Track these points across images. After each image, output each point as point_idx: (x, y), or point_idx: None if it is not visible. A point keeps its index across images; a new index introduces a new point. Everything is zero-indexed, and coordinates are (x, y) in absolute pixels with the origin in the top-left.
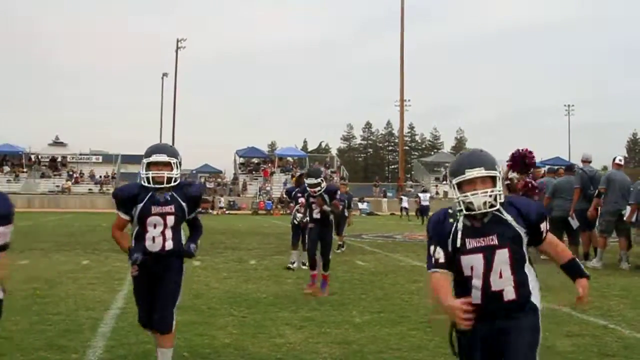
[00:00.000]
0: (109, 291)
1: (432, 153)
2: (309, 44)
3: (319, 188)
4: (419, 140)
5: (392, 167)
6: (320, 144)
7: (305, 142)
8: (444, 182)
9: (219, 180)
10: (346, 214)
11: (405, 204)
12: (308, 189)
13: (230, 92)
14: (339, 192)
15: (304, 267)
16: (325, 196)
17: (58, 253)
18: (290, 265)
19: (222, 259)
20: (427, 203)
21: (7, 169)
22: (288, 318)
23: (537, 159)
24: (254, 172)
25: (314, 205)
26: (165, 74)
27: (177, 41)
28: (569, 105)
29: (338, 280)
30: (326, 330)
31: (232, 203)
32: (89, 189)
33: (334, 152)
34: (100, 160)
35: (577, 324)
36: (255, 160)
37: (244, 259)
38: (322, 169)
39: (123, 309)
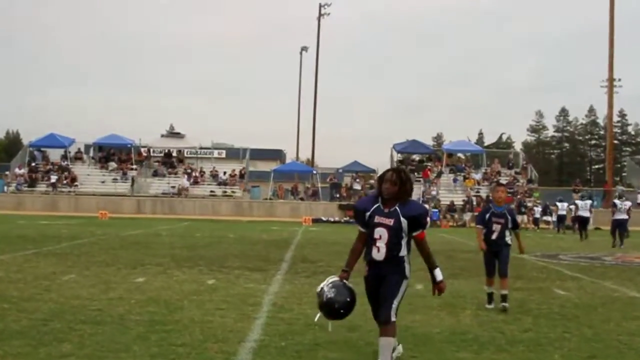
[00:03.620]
0: (242, 319)
1: None
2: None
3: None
4: (633, 132)
5: (597, 166)
6: (500, 137)
7: (480, 133)
8: None
9: (371, 182)
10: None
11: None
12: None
13: (384, 71)
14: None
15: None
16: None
17: (178, 270)
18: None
19: None
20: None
21: (113, 165)
22: None
23: None
24: (416, 173)
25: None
26: (304, 48)
27: (320, 7)
28: None
29: (531, 313)
30: None
31: None
32: (211, 191)
33: (518, 146)
34: (224, 156)
35: None
36: (417, 157)
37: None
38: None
39: (261, 341)
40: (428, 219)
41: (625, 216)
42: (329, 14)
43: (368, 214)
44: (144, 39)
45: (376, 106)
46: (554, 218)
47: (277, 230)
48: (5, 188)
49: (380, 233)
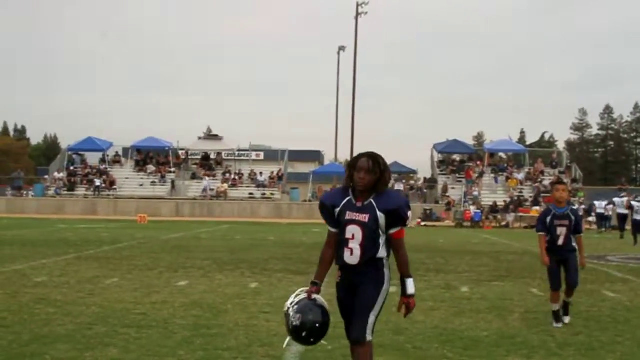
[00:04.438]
0: None
1: None
2: None
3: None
4: None
5: None
6: (542, 136)
7: (522, 132)
8: None
9: (412, 182)
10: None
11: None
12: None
13: (423, 70)
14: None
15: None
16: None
17: (220, 273)
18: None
19: (424, 284)
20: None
21: (151, 168)
22: None
23: None
24: (457, 173)
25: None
26: (342, 48)
27: (357, 6)
28: None
29: (581, 316)
30: None
31: (428, 212)
32: (250, 194)
33: (561, 145)
34: (262, 158)
35: None
36: (457, 157)
37: (452, 284)
38: None
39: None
40: (410, 213)
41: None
42: (366, 12)
43: (338, 209)
44: (179, 41)
45: (415, 106)
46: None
47: (318, 232)
48: (45, 192)
49: (353, 232)
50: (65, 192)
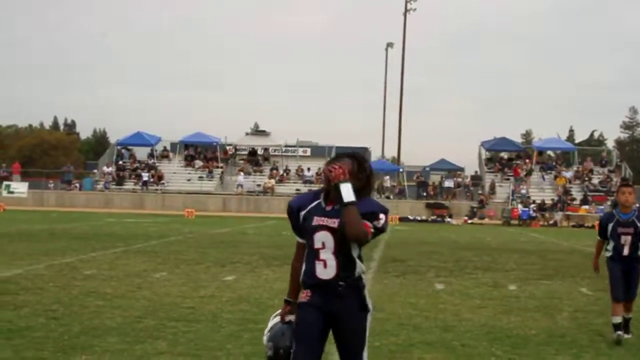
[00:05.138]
0: None
1: None
2: None
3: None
4: None
5: None
6: (592, 134)
7: (571, 130)
8: None
9: (459, 180)
10: None
11: None
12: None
13: (471, 67)
14: None
15: None
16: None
17: (267, 268)
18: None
19: (472, 282)
20: None
21: (199, 163)
22: None
23: None
24: (505, 170)
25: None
26: (390, 44)
27: (405, 2)
28: None
29: (633, 316)
30: None
31: (475, 210)
32: (297, 189)
33: (610, 144)
34: (309, 154)
35: None
36: (505, 155)
37: (500, 282)
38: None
39: None
40: (385, 219)
41: None
42: (415, 9)
43: (303, 213)
44: (225, 38)
45: (464, 103)
46: None
47: None
48: (94, 186)
49: (323, 240)
50: (114, 186)
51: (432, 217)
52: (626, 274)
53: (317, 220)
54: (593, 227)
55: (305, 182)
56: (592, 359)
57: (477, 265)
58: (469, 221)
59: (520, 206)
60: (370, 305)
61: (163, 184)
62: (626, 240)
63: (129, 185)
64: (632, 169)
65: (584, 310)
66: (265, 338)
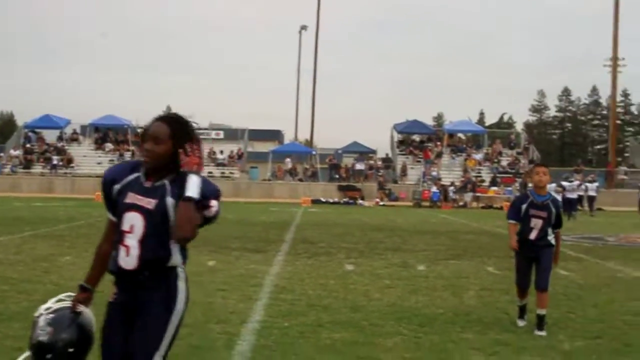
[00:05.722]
0: (243, 300)
1: None
2: None
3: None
4: (636, 112)
5: (598, 147)
6: (501, 117)
7: (481, 114)
8: None
9: (371, 162)
10: None
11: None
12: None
13: (384, 51)
14: None
15: None
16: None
17: None
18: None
19: (382, 263)
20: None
21: (110, 146)
22: (475, 341)
23: None
24: (416, 153)
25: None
26: (303, 27)
27: None
28: None
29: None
30: (526, 358)
31: (387, 192)
32: (209, 172)
33: (519, 127)
34: (222, 137)
35: None
36: (417, 138)
37: (409, 263)
38: None
39: (264, 322)
40: (217, 209)
41: (574, 195)
42: None
43: (117, 187)
44: (140, 20)
45: (376, 86)
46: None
47: (276, 211)
48: (1, 170)
49: (132, 222)
50: (21, 170)
51: (345, 200)
52: (533, 261)
53: (130, 197)
54: (501, 208)
55: (218, 165)
56: (496, 335)
57: (387, 246)
58: (381, 203)
59: (434, 188)
60: (180, 304)
61: (73, 167)
62: (536, 223)
63: (37, 169)
64: (540, 151)
65: (489, 288)
66: (42, 318)
